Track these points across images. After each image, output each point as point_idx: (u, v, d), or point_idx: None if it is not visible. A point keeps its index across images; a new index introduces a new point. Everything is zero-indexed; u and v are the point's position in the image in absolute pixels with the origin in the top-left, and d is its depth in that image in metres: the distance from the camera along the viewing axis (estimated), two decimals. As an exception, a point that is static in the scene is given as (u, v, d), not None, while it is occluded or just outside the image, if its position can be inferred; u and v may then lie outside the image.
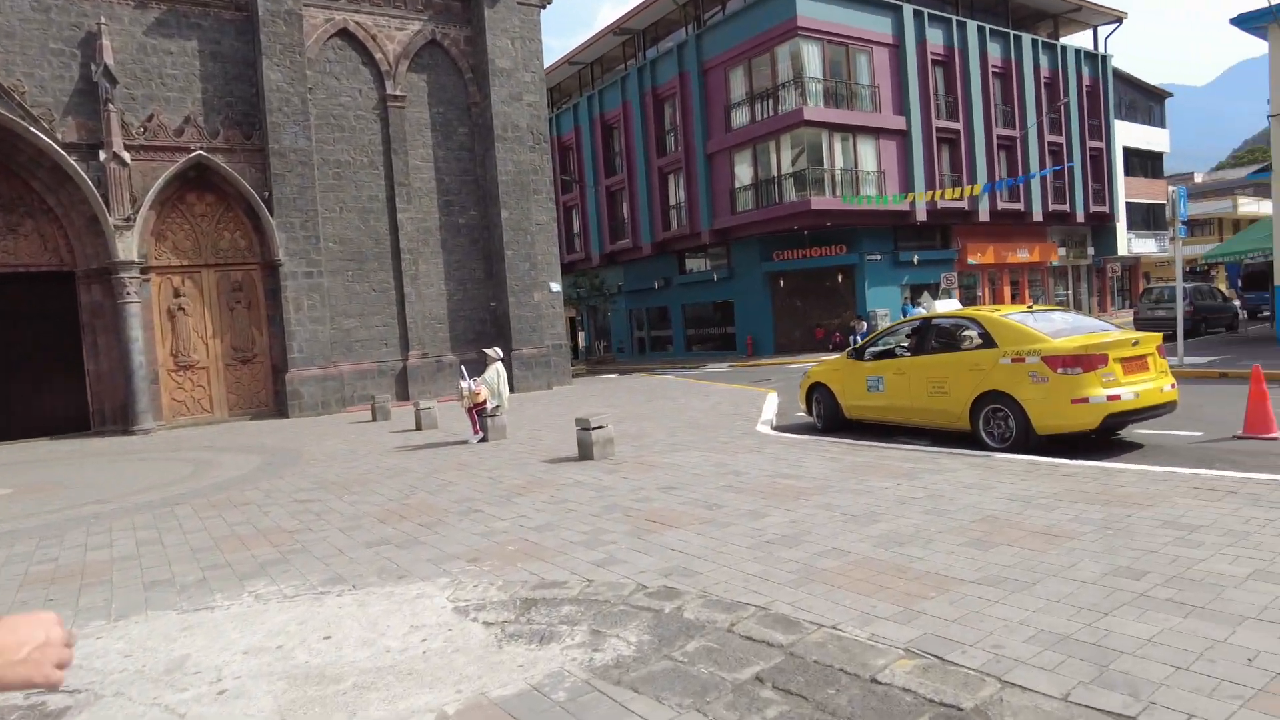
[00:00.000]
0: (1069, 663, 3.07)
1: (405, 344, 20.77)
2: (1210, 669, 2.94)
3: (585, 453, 9.12)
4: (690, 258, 34.95)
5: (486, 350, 13.06)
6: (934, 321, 9.45)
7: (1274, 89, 17.01)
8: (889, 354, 9.93)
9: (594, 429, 9.03)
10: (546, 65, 31.08)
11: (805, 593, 4.13)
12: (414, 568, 5.27)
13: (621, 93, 36.07)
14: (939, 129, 31.27)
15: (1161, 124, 44.66)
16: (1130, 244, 41.75)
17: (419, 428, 14.28)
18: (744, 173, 30.44)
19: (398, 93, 20.65)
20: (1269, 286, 23.60)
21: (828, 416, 10.67)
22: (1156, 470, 6.44)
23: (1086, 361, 7.55)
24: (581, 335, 42.81)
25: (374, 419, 16.54)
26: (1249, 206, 53.10)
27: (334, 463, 10.86)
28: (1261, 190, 56.78)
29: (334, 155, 20.07)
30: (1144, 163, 43.34)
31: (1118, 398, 7.52)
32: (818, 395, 10.86)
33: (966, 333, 9.06)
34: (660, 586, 4.40)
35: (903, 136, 30.32)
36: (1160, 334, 8.44)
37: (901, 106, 30.25)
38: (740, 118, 30.21)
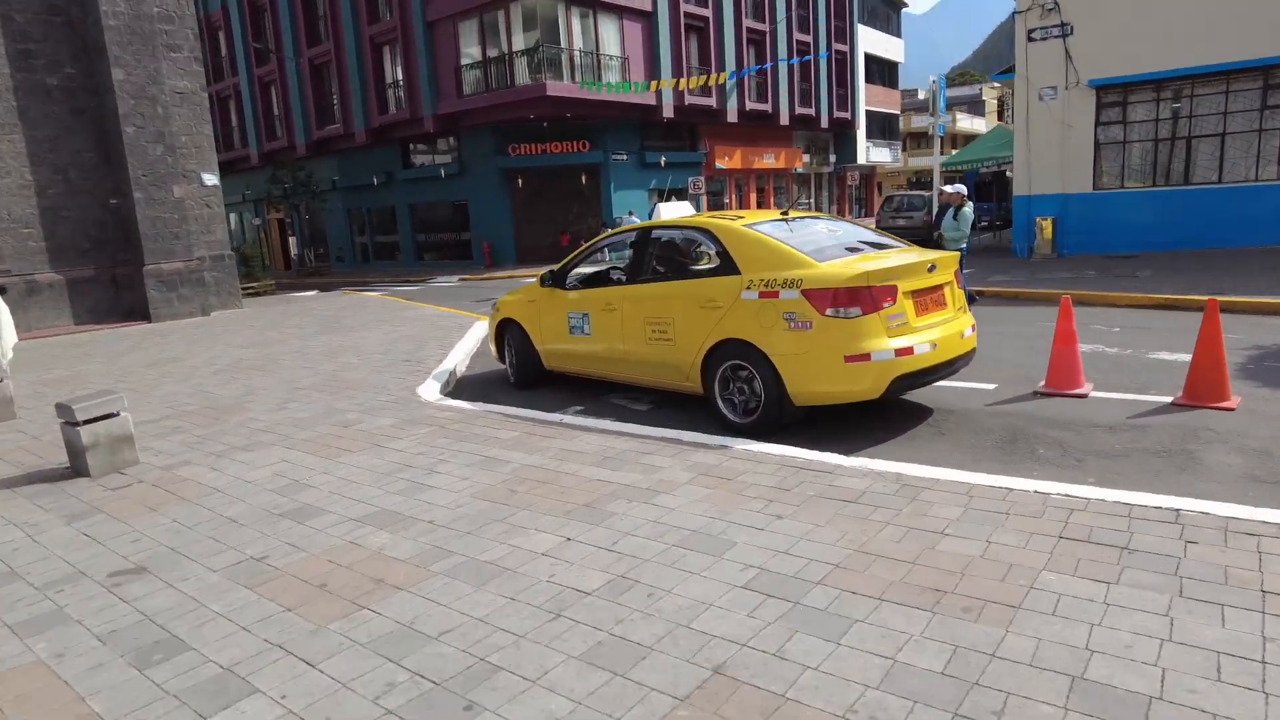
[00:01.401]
0: None
1: (-28, 255, 14.72)
2: None
3: (78, 464, 5.24)
4: (416, 151, 29.98)
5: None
6: (655, 234, 6.48)
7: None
8: (600, 280, 6.94)
9: (89, 422, 5.14)
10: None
11: None
12: None
13: (323, -59, 29.38)
14: (687, 14, 28.56)
15: (898, 34, 45.57)
16: (869, 153, 42.63)
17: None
18: (471, 48, 25.87)
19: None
20: (994, 196, 23.89)
21: (520, 367, 7.55)
22: (981, 484, 3.95)
23: (867, 298, 4.94)
24: (293, 241, 36.38)
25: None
26: (965, 123, 56.96)
27: None
28: (975, 107, 61.23)
29: None
30: (882, 70, 44.11)
31: (909, 351, 5.02)
32: (509, 336, 7.68)
33: (700, 249, 6.23)
34: None
35: (648, 20, 27.24)
36: (956, 253, 6.08)
37: (648, -16, 27.02)
38: (465, -20, 25.37)
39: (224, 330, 13.64)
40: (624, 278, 6.52)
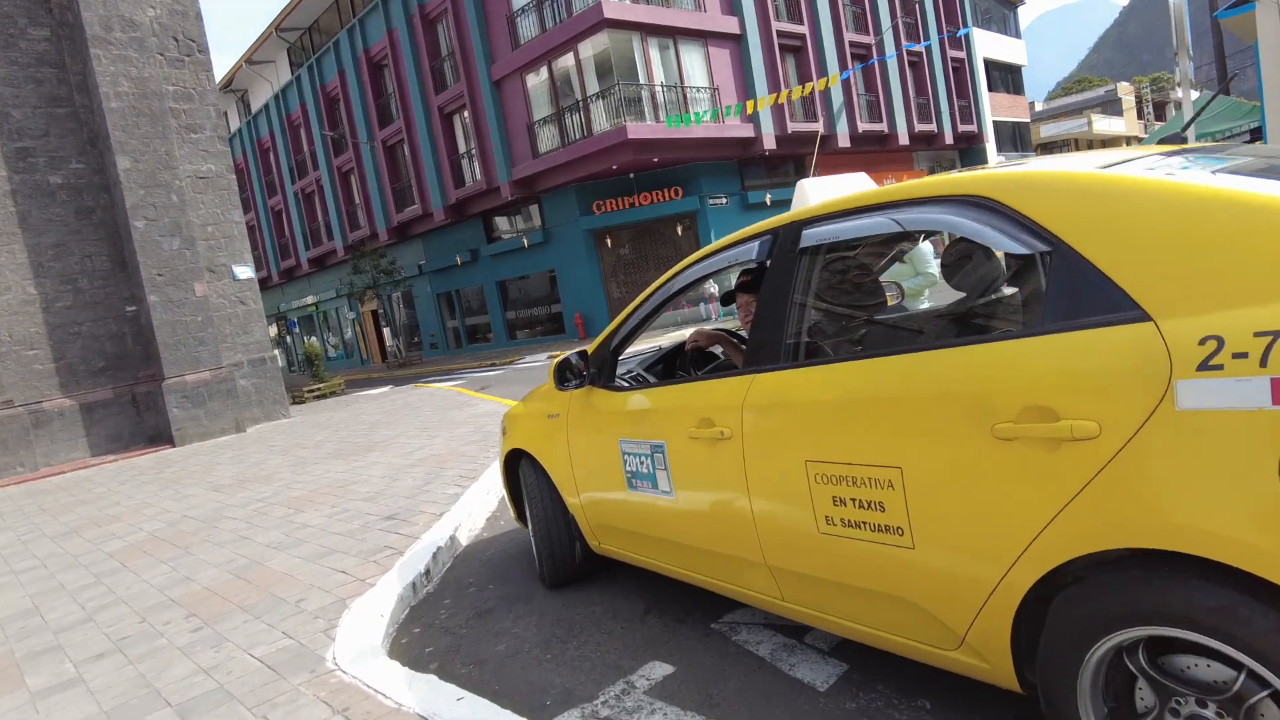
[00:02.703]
0: None
1: (-29, 388, 12.58)
2: None
3: None
4: (498, 225, 27.58)
5: None
6: (816, 236, 2.44)
7: None
8: (684, 366, 3.35)
9: None
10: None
11: None
12: None
13: (385, 18, 28.02)
14: (780, 33, 25.14)
15: (1017, 34, 40.72)
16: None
17: None
18: (541, 101, 23.29)
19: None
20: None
21: (548, 546, 3.78)
22: None
23: None
24: (387, 332, 34.70)
25: None
26: (1102, 124, 50.76)
27: None
28: (1111, 107, 54.89)
29: None
30: (1004, 77, 39.26)
31: None
32: (526, 479, 3.99)
33: (973, 265, 2.48)
34: None
35: (737, 42, 23.99)
36: None
37: (732, 4, 23.86)
38: (528, 27, 22.99)
39: (231, 457, 10.70)
40: (740, 359, 2.86)
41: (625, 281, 24.03)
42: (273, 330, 44.90)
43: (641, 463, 3.01)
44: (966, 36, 33.71)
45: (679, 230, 24.08)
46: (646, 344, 4.34)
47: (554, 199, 24.30)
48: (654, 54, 21.86)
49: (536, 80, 23.26)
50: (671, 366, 3.81)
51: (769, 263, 2.59)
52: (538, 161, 23.16)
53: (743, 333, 3.76)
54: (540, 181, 23.82)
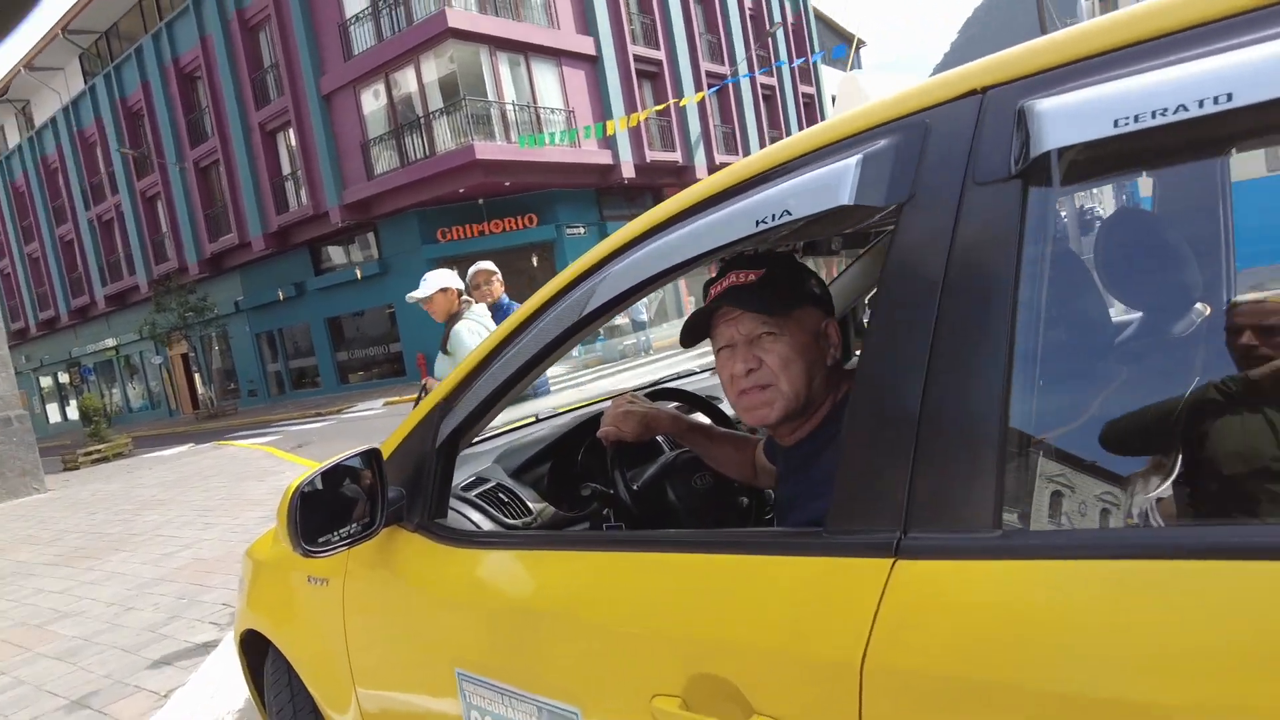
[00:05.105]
0: None
1: None
2: None
3: None
4: (329, 250, 24.67)
5: None
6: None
7: None
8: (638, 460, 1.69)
9: None
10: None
11: None
12: None
13: (198, 24, 24.73)
14: (637, 57, 24.14)
15: (859, 67, 42.32)
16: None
17: None
18: (378, 117, 20.96)
19: None
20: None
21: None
22: None
23: None
24: (198, 379, 30.43)
25: None
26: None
27: None
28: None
29: None
30: (848, 117, 40.58)
31: None
32: (274, 689, 2.02)
33: None
34: None
35: (593, 64, 22.72)
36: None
37: (587, 24, 22.62)
38: (363, 37, 20.68)
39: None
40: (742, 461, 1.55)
41: (476, 317, 21.84)
42: (64, 378, 38.84)
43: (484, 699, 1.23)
44: (816, 73, 34.33)
45: (534, 261, 22.27)
46: (517, 413, 2.41)
47: (393, 225, 21.84)
48: (504, 70, 20.12)
49: (372, 95, 20.90)
50: (567, 470, 1.97)
51: (896, 231, 0.92)
52: (373, 183, 20.70)
53: (721, 399, 2.09)
54: (376, 206, 21.33)
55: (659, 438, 1.96)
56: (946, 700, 0.76)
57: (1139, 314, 1.36)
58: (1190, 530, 0.89)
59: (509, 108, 19.89)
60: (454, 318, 4.10)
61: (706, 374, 2.69)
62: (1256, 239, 1.49)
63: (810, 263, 1.77)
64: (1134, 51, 0.76)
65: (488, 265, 4.57)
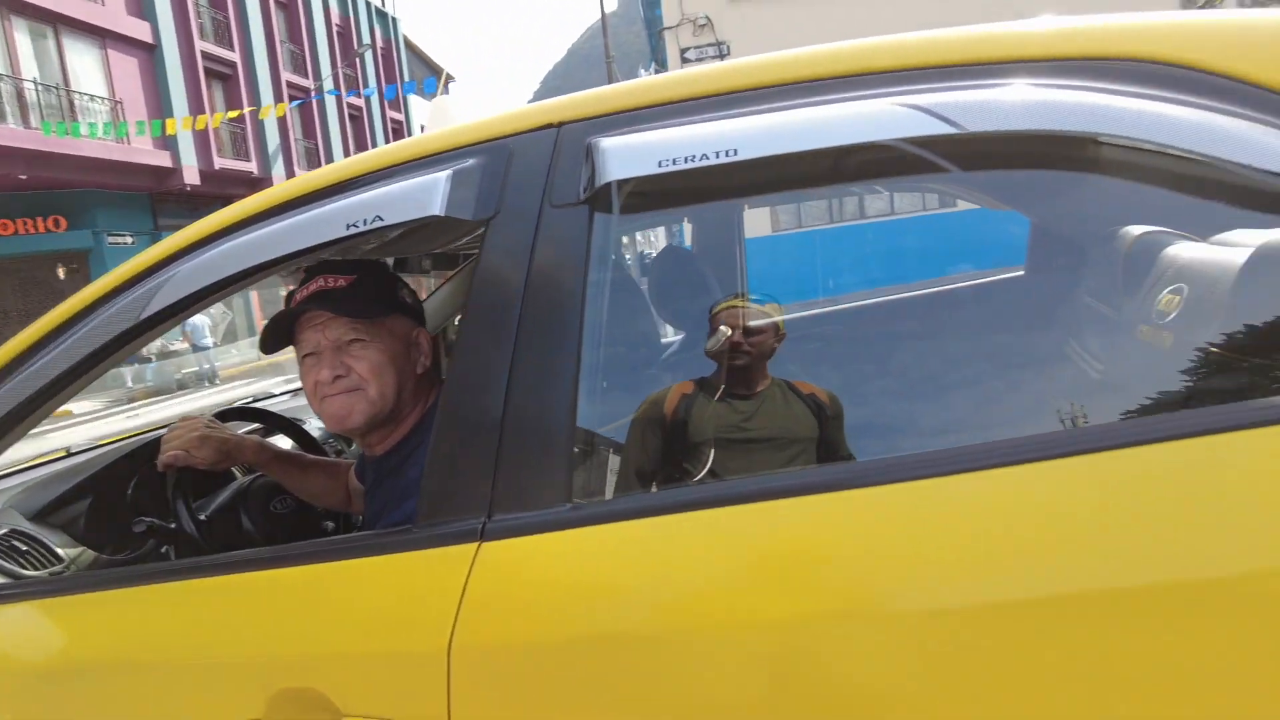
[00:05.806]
0: None
1: None
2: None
3: None
4: None
5: None
6: None
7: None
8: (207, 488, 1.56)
9: None
10: None
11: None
12: None
13: None
14: (206, 54, 21.85)
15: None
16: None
17: None
18: None
19: None
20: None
21: None
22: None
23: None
24: None
25: None
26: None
27: None
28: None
29: None
30: (439, 148, 41.29)
31: None
32: None
33: None
34: None
35: (149, 53, 20.01)
36: None
37: (142, 7, 19.86)
38: None
39: None
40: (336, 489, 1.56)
41: (-26, 336, 17.54)
42: None
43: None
44: (406, 100, 34.36)
45: (61, 272, 18.72)
46: (42, 446, 2.17)
47: None
48: (23, 40, 16.67)
49: None
50: (115, 507, 1.78)
51: (484, 245, 1.02)
52: None
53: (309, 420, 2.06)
54: None
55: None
56: (530, 665, 0.87)
57: (683, 333, 1.75)
58: (684, 490, 1.17)
59: (30, 86, 16.54)
60: None
61: (287, 396, 2.68)
62: (763, 282, 1.88)
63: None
64: (678, 108, 0.96)
65: None
